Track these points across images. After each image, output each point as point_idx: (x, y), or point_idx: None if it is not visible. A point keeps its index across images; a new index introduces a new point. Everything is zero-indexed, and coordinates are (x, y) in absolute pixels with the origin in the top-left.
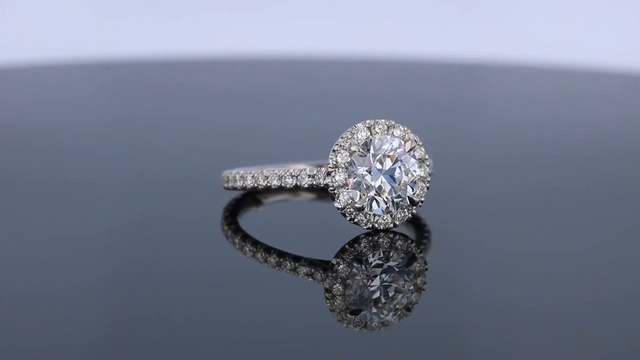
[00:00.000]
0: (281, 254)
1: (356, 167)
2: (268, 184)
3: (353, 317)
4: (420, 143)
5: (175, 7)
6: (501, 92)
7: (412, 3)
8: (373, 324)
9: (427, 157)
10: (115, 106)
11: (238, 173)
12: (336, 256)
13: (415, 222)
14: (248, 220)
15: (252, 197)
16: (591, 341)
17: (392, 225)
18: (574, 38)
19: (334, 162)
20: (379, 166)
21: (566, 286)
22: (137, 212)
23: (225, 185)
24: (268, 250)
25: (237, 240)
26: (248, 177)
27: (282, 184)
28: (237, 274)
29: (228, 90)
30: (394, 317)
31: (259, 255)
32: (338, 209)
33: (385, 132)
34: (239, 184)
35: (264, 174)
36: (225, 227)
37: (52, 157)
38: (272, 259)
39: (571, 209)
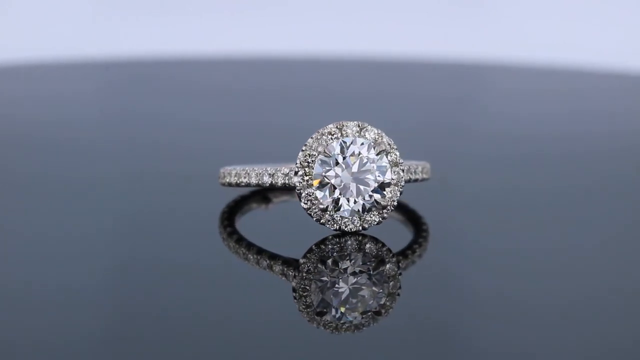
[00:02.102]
0: (260, 252)
1: (323, 168)
2: (248, 181)
3: (320, 318)
4: (395, 147)
5: (174, 7)
6: (499, 91)
7: (411, 2)
8: (345, 326)
9: (401, 161)
10: (116, 104)
11: (226, 170)
12: (304, 256)
13: (413, 219)
14: (250, 217)
15: (261, 194)
16: (590, 339)
17: (360, 228)
18: (572, 38)
19: (301, 162)
20: (347, 168)
21: (564, 283)
22: (135, 207)
23: (219, 181)
24: (249, 247)
25: (224, 236)
26: (233, 173)
27: (260, 182)
28: (225, 269)
29: (233, 89)
30: (365, 321)
31: (240, 251)
32: (304, 209)
33: (357, 133)
34: (226, 180)
35: (246, 172)
36: (218, 223)
37: (52, 153)
38: (251, 256)
39: (570, 206)
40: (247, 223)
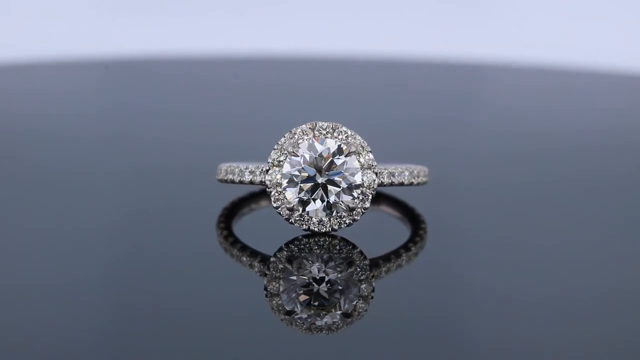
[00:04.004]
0: (243, 248)
1: (293, 167)
2: (232, 178)
3: (290, 317)
4: (369, 149)
5: (174, 6)
6: (497, 90)
7: (407, 1)
8: (317, 326)
9: (374, 164)
10: (116, 101)
11: (219, 166)
12: (274, 255)
13: (411, 215)
14: (254, 214)
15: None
16: (587, 335)
17: (330, 229)
18: (570, 37)
19: (272, 160)
20: (316, 168)
21: (562, 280)
22: (137, 202)
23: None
24: (234, 243)
25: (218, 233)
26: (223, 170)
27: (242, 179)
28: (214, 266)
29: (234, 87)
30: (335, 322)
31: (226, 247)
32: (274, 207)
33: (329, 134)
34: (218, 177)
35: (232, 169)
36: (216, 219)
37: (53, 148)
38: (235, 252)
39: (569, 204)
40: (248, 220)
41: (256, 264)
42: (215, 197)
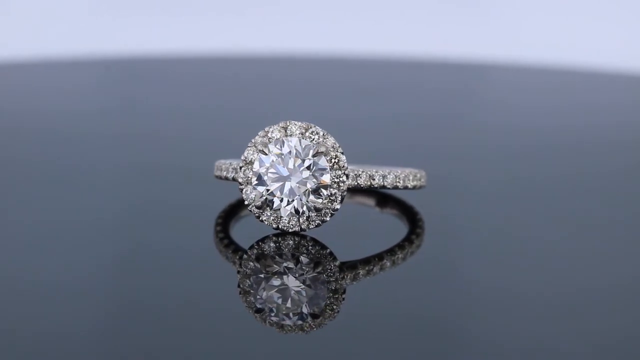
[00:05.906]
0: (229, 245)
1: (263, 165)
2: (219, 174)
3: (259, 315)
4: (341, 150)
5: (174, 6)
6: (497, 89)
7: (407, 1)
8: (289, 326)
9: (345, 165)
10: (117, 101)
11: (215, 163)
12: (246, 253)
13: (409, 212)
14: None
15: None
16: (586, 333)
17: (298, 229)
18: (568, 37)
19: (244, 158)
20: (286, 167)
21: (561, 277)
22: (140, 198)
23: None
24: (223, 239)
25: (215, 228)
26: (215, 167)
27: (227, 176)
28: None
29: (237, 86)
30: (304, 323)
31: (215, 242)
32: (246, 205)
33: (301, 134)
34: (214, 174)
35: (219, 165)
36: (216, 215)
37: (52, 145)
38: (223, 248)
39: (567, 202)
40: (249, 219)
41: (237, 260)
42: (216, 194)
